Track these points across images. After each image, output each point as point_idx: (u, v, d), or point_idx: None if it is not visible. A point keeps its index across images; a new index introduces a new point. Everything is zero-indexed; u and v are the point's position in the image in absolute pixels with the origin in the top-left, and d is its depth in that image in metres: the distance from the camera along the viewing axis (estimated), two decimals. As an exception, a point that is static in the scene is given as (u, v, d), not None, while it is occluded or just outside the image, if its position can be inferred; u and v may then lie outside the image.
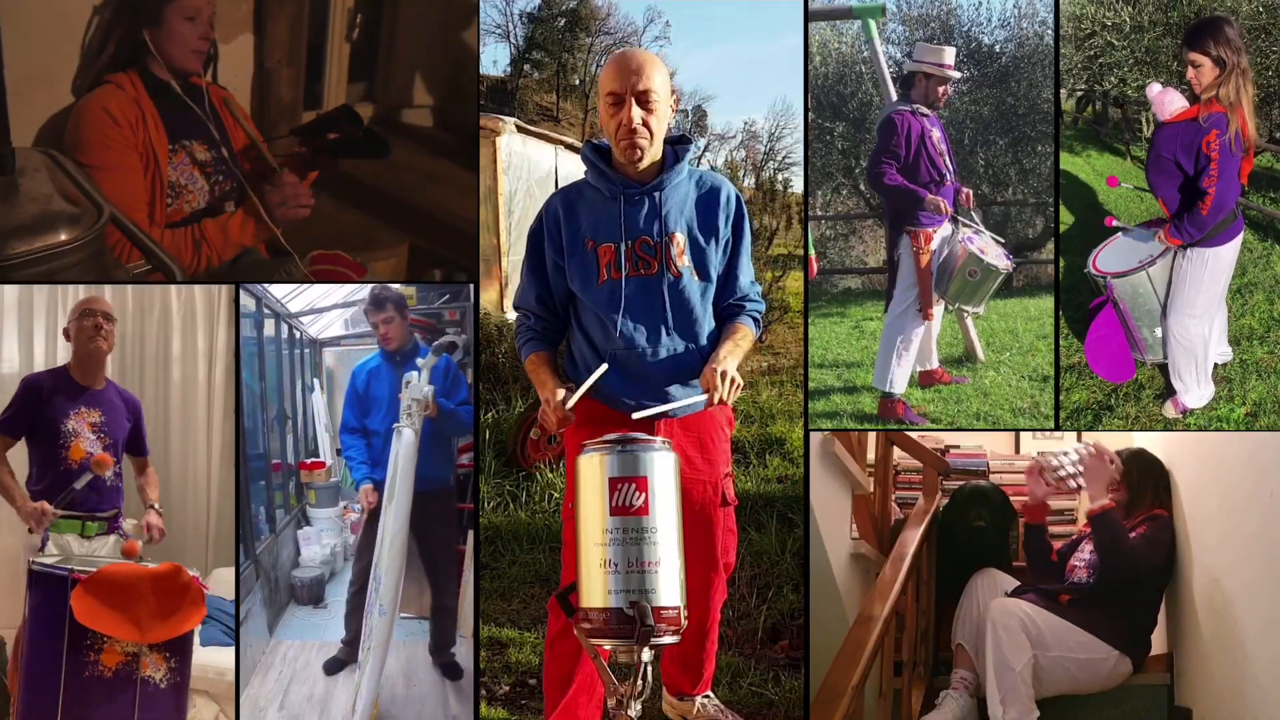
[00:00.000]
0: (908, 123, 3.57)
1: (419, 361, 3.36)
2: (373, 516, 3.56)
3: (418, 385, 3.23)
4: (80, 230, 2.72)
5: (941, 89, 3.59)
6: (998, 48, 4.12)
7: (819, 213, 4.22)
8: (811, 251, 3.70)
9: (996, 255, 3.62)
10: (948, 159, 3.62)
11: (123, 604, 2.72)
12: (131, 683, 2.74)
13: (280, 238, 3.13)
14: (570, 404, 2.31)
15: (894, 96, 3.70)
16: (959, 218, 3.63)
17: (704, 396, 2.31)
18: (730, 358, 2.36)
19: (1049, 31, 3.91)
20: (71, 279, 2.76)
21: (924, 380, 3.70)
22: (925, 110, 3.58)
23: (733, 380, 2.31)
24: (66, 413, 3.12)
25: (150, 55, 3.01)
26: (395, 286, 3.92)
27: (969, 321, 3.83)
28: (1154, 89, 3.22)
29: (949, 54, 3.58)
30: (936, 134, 3.61)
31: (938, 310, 3.67)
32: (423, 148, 3.65)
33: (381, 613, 3.03)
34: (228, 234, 3.13)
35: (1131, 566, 3.19)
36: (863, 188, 4.20)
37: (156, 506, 3.27)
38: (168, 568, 2.82)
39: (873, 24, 3.71)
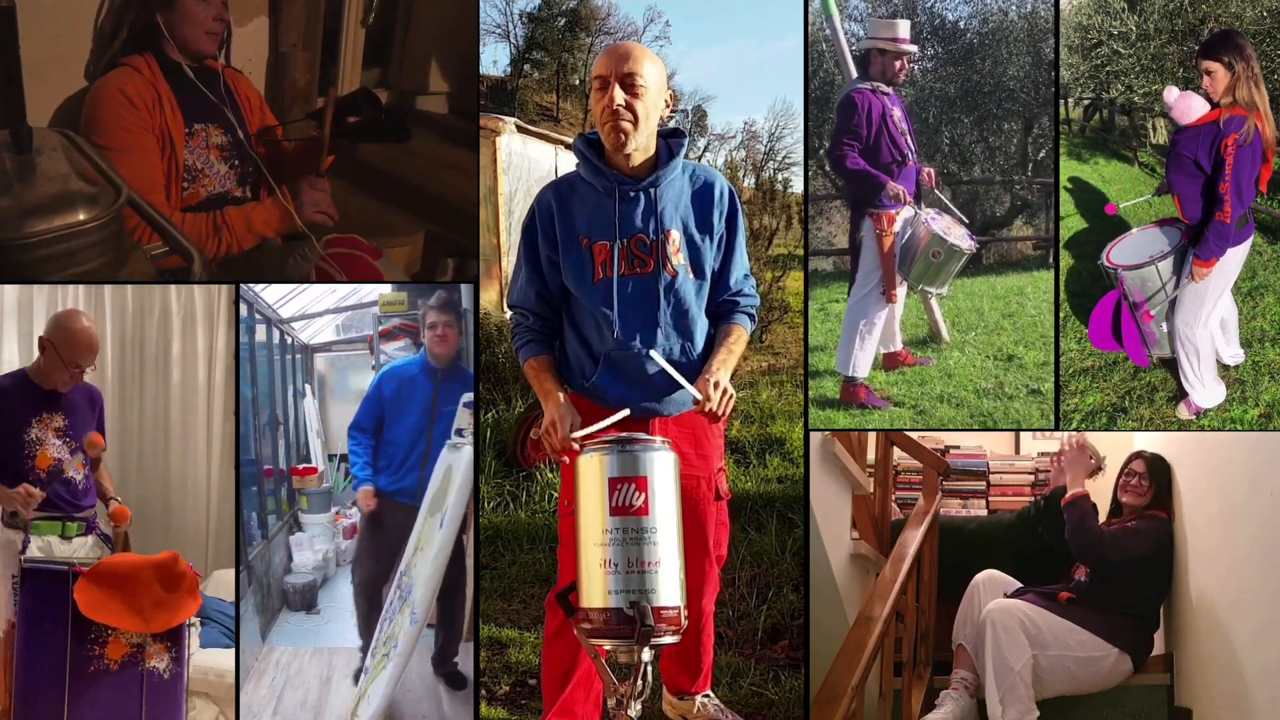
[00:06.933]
0: (868, 101, 3.49)
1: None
2: (372, 520, 3.55)
3: None
4: (98, 210, 2.70)
5: (899, 64, 3.52)
6: (961, 24, 4.05)
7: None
8: None
9: (960, 236, 3.58)
10: (909, 138, 3.55)
11: (127, 594, 2.72)
12: (137, 674, 2.74)
13: (304, 229, 3.10)
14: (579, 435, 2.24)
15: (855, 75, 3.61)
16: (922, 202, 3.57)
17: (696, 393, 2.30)
18: (723, 368, 2.35)
19: (1014, 7, 3.87)
20: (90, 259, 2.70)
21: (888, 362, 3.66)
22: (885, 89, 3.51)
23: (725, 391, 2.30)
24: (28, 421, 3.01)
25: (164, 38, 2.99)
26: (387, 288, 3.91)
27: (933, 302, 3.78)
28: (1172, 94, 3.20)
29: (903, 27, 3.51)
30: (898, 113, 3.53)
31: (901, 292, 3.61)
32: (438, 135, 3.63)
33: (413, 620, 2.99)
34: (251, 224, 3.10)
35: (1095, 550, 3.28)
36: (828, 168, 4.16)
37: (116, 498, 3.18)
38: (167, 556, 2.82)
39: (832, 1, 3.63)
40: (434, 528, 3.08)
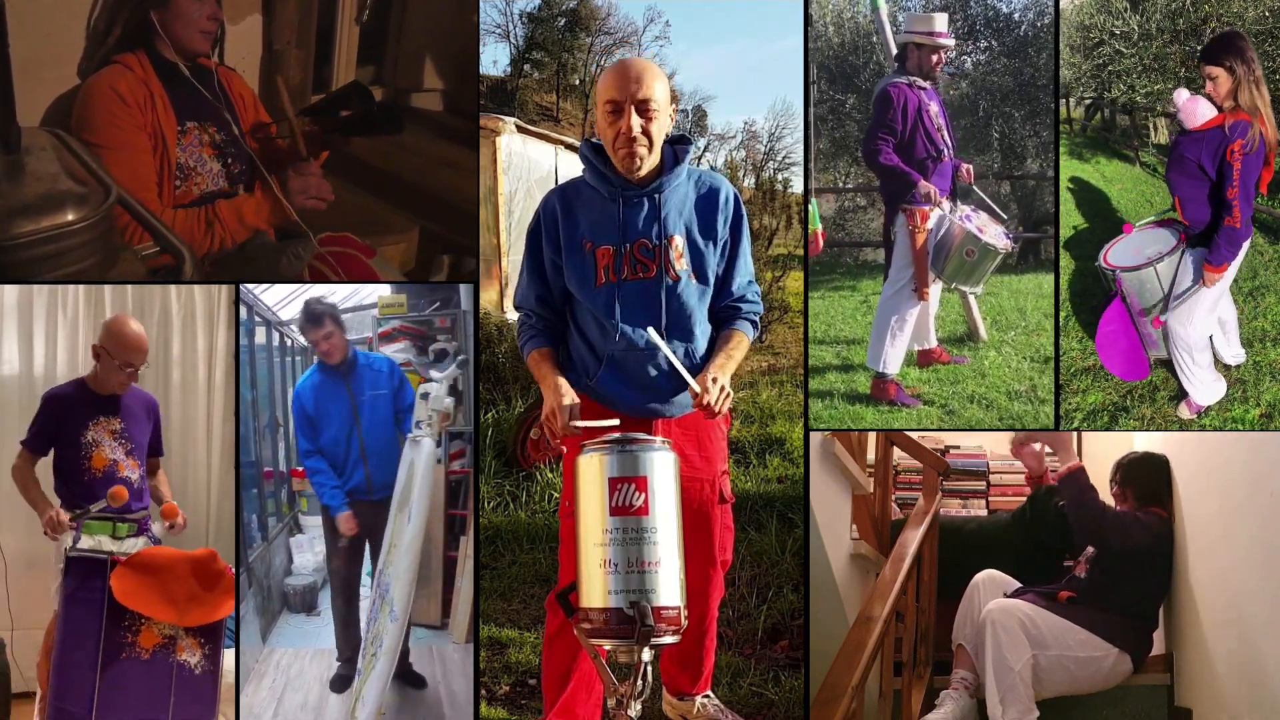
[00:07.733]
0: (904, 96, 3.47)
1: (435, 374, 3.34)
2: (350, 541, 3.55)
3: (439, 396, 3.20)
4: (87, 210, 2.69)
5: (935, 58, 3.48)
6: (1016, 16, 4.00)
7: (839, 184, 4.12)
8: (818, 225, 3.58)
9: (995, 234, 3.54)
10: (946, 134, 3.52)
11: (162, 585, 2.77)
12: (168, 666, 2.77)
13: (296, 219, 3.09)
14: (578, 425, 2.26)
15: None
16: (957, 198, 3.51)
17: (694, 384, 2.30)
18: (722, 371, 2.36)
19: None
20: (78, 260, 2.70)
21: (922, 359, 3.63)
22: (922, 83, 3.49)
23: (724, 389, 2.30)
24: (86, 424, 3.09)
25: (157, 36, 2.98)
26: (386, 290, 3.92)
27: (971, 300, 3.75)
28: (1182, 95, 3.18)
29: (940, 21, 3.48)
30: (934, 108, 3.50)
31: (934, 289, 3.59)
32: (432, 132, 3.63)
33: (393, 618, 3.01)
34: (242, 216, 3.09)
35: (1098, 524, 3.27)
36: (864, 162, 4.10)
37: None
38: (205, 553, 2.87)
39: None
40: (403, 524, 3.10)
